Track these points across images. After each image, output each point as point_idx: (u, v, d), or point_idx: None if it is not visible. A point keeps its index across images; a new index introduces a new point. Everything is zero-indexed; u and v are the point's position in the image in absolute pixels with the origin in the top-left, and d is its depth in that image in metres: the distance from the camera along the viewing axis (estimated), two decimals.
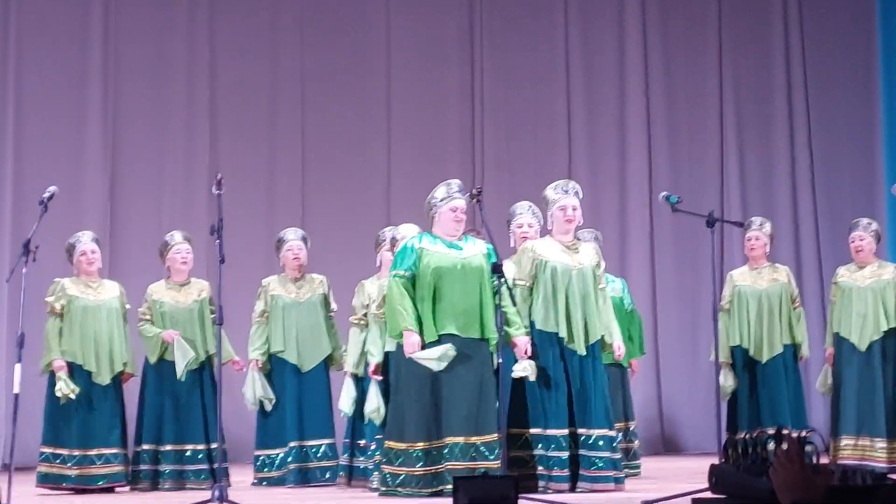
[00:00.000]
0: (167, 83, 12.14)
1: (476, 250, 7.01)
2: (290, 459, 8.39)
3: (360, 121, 12.49)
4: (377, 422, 7.45)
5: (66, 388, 7.96)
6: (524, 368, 6.93)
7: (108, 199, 11.82)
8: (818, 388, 8.85)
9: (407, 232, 7.78)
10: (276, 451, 8.46)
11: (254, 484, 8.47)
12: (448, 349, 6.74)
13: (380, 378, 7.51)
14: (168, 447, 8.29)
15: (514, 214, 7.94)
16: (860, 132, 13.19)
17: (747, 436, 3.24)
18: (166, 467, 8.26)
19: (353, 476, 8.12)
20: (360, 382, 8.09)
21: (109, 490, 8.15)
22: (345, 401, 8.11)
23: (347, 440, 8.22)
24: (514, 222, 7.89)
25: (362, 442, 8.04)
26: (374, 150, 12.49)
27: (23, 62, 11.76)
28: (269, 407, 8.47)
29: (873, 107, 13.19)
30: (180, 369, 8.19)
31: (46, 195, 6.23)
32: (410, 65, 12.69)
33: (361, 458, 8.06)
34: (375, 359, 7.60)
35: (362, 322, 8.09)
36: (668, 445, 12.65)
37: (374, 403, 7.48)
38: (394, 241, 7.81)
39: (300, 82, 12.47)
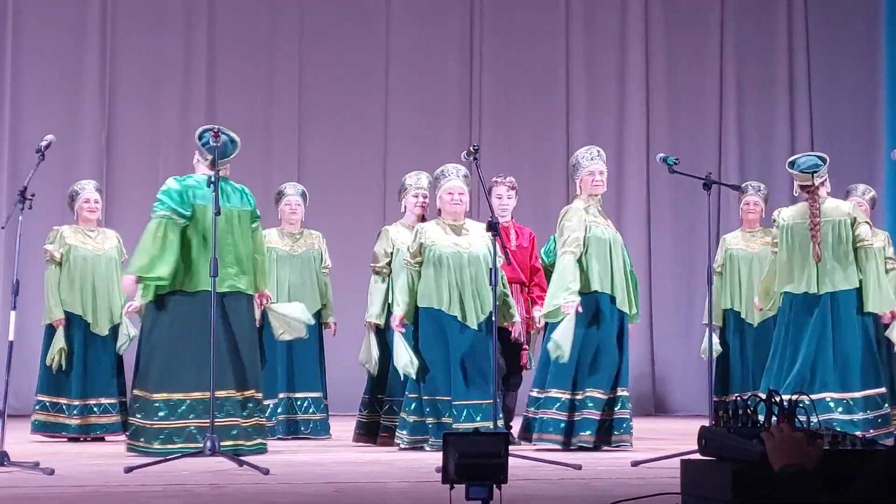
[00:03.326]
0: (165, 34, 12.09)
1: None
2: (279, 411, 8.40)
3: (357, 75, 12.43)
4: (412, 375, 7.02)
5: (54, 350, 8.06)
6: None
7: (104, 149, 11.80)
8: None
9: (449, 169, 7.45)
10: (266, 402, 8.43)
11: None
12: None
13: (402, 330, 7.11)
14: None
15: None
16: (861, 96, 13.14)
17: (738, 398, 3.22)
18: None
19: (376, 432, 7.81)
20: (382, 334, 7.80)
21: (101, 439, 8.18)
22: (366, 354, 7.83)
23: (367, 396, 7.96)
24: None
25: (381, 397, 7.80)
26: (372, 106, 12.44)
27: (20, 11, 11.71)
28: None
29: (875, 71, 13.14)
30: (120, 343, 8.27)
31: (44, 144, 6.20)
32: (409, 19, 12.63)
33: (382, 413, 7.79)
34: (401, 309, 7.15)
35: (384, 271, 7.82)
36: (658, 407, 12.69)
37: (406, 357, 7.02)
38: (437, 179, 7.44)
39: (298, 35, 12.41)
